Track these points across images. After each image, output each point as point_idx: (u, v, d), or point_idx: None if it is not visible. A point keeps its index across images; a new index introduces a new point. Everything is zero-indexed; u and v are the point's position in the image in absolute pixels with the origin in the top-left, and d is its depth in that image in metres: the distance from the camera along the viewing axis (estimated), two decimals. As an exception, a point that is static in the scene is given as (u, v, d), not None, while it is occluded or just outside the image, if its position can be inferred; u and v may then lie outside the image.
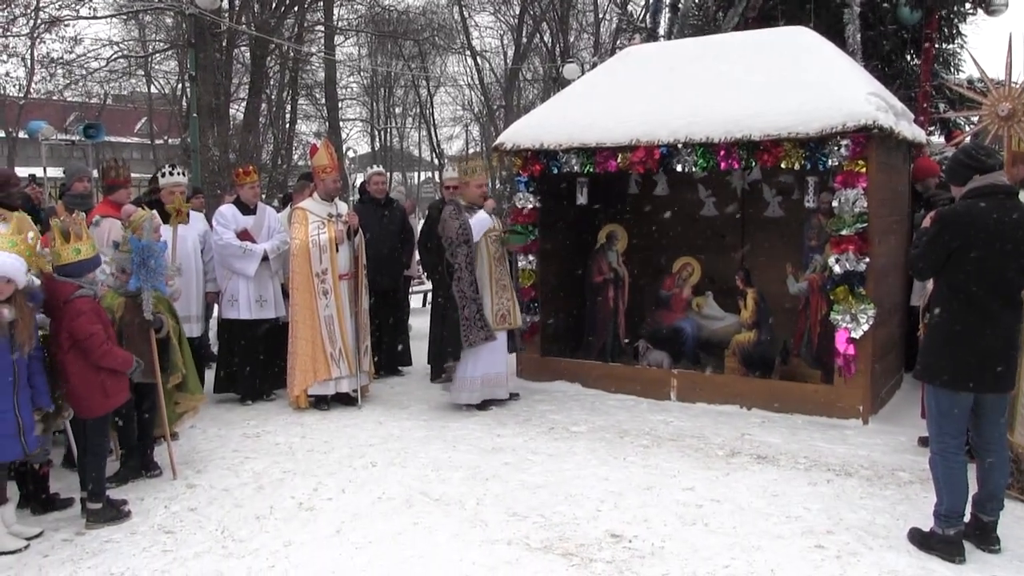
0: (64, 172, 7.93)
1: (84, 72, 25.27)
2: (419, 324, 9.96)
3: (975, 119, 6.72)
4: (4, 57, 26.51)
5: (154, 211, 6.99)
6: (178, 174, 7.51)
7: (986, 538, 4.64)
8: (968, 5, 12.55)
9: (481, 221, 7.64)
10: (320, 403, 7.84)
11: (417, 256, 9.70)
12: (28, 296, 4.91)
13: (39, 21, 24.18)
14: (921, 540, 4.66)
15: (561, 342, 9.19)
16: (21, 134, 28.36)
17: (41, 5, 23.53)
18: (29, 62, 26.96)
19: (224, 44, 24.94)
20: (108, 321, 5.36)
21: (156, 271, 5.85)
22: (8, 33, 24.50)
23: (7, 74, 27.82)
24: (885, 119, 6.85)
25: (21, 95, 29.14)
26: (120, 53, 26.59)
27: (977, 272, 4.43)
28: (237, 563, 4.67)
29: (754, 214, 9.15)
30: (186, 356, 6.32)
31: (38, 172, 20.50)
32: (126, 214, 6.79)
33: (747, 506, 5.32)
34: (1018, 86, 6.05)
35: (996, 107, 5.96)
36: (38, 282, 5.09)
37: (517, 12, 36.84)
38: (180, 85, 32.21)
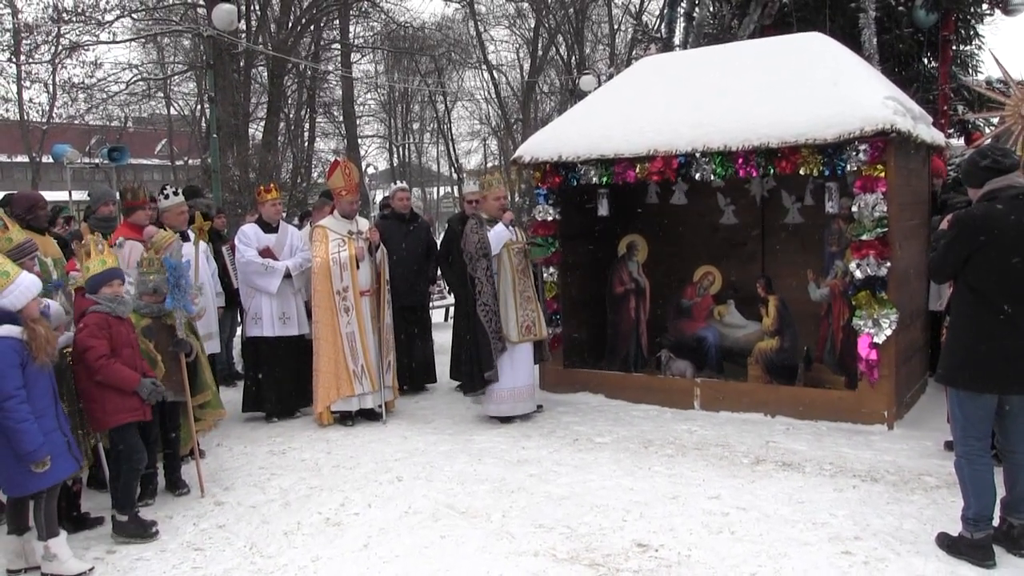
0: (89, 195, 8.07)
1: (105, 96, 25.58)
2: (441, 339, 9.98)
3: (995, 120, 6.69)
4: (27, 83, 26.99)
5: (177, 233, 7.11)
6: (174, 194, 7.57)
7: (1016, 542, 4.61)
8: (985, 6, 12.46)
9: (498, 234, 7.66)
10: (345, 419, 7.88)
11: (439, 271, 9.72)
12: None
13: (60, 47, 24.56)
14: (950, 545, 4.64)
15: (584, 353, 9.20)
16: (44, 159, 28.73)
17: (62, 32, 23.91)
18: (51, 87, 27.38)
19: (242, 64, 25.19)
20: (126, 340, 5.36)
21: (186, 291, 5.95)
22: (31, 60, 24.90)
23: (30, 100, 28.32)
24: (903, 123, 6.83)
25: (44, 120, 29.56)
26: (139, 76, 26.93)
27: (996, 274, 4.41)
28: (266, 579, 4.72)
29: (773, 221, 9.14)
30: (209, 373, 6.45)
31: (63, 196, 20.69)
32: (148, 235, 6.88)
33: (773, 513, 5.31)
34: None
35: (1021, 108, 5.93)
36: (51, 303, 5.22)
37: (532, 25, 37.00)
38: (199, 106, 32.54)
